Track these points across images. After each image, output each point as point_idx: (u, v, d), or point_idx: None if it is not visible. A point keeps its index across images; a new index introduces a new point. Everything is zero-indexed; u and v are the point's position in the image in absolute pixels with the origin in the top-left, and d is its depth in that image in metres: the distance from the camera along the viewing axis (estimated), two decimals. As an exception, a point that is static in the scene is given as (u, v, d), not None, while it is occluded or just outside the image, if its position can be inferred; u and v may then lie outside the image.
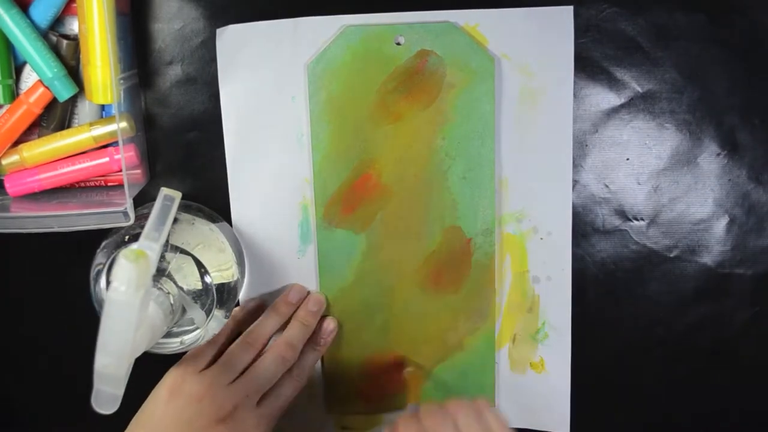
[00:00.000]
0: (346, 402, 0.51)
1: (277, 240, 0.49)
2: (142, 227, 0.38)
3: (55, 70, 0.44)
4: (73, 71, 0.45)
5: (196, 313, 0.43)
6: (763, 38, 0.46)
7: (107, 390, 0.34)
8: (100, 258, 0.43)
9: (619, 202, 0.48)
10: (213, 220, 0.47)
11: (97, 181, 0.48)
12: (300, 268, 0.49)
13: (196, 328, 0.43)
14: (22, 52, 0.44)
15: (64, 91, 0.45)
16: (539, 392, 0.50)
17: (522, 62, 0.46)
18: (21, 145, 0.46)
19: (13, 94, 0.45)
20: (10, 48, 0.45)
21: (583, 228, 0.49)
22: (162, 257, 0.41)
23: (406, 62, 0.46)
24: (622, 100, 0.47)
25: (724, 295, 0.49)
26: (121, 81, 0.44)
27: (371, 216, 0.48)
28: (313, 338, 0.48)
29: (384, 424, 0.51)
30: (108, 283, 0.38)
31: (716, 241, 0.49)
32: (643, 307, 0.50)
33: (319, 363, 0.50)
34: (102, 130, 0.46)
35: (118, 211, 0.43)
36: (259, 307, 0.49)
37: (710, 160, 0.48)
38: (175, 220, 0.43)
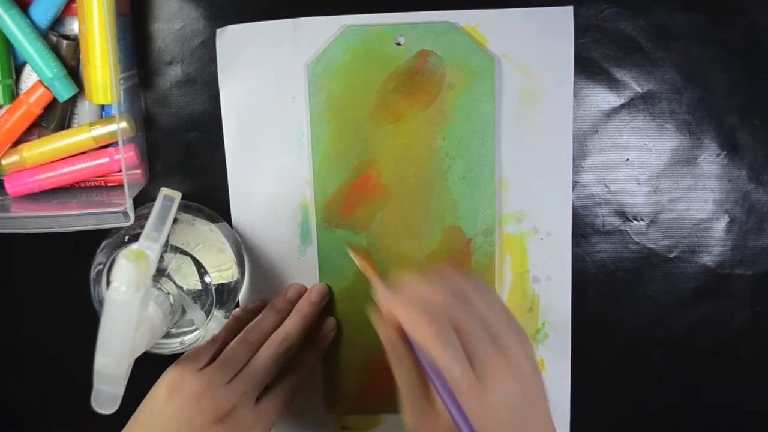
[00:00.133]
0: (346, 402, 0.51)
1: (277, 240, 0.49)
2: (142, 227, 0.38)
3: (55, 70, 0.44)
4: (73, 71, 0.45)
5: (195, 313, 0.43)
6: (763, 38, 0.46)
7: (107, 390, 0.34)
8: (100, 258, 0.43)
9: (619, 202, 0.48)
10: (213, 221, 0.47)
11: (97, 181, 0.48)
12: (300, 268, 0.49)
13: (196, 329, 0.43)
14: (22, 52, 0.44)
15: (64, 92, 0.45)
16: (539, 392, 0.50)
17: (522, 62, 0.46)
18: (21, 145, 0.46)
19: (13, 94, 0.45)
20: (10, 48, 0.45)
21: (583, 228, 0.49)
22: (162, 257, 0.42)
23: (406, 62, 0.46)
24: (622, 101, 0.47)
25: (724, 295, 0.49)
26: (121, 81, 0.44)
27: (371, 216, 0.48)
28: (312, 338, 0.48)
29: (384, 425, 0.51)
30: (108, 283, 0.38)
31: (716, 241, 0.49)
32: (643, 307, 0.50)
33: (319, 363, 0.50)
34: (102, 130, 0.46)
35: (118, 211, 0.43)
36: (260, 308, 0.49)
37: (710, 161, 0.48)
38: (175, 221, 0.43)
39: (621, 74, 0.47)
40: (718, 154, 0.48)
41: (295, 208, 0.49)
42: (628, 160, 0.48)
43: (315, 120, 0.47)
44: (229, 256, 0.46)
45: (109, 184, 0.48)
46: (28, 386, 0.53)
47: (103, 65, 0.43)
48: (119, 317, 0.33)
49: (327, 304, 0.49)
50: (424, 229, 0.48)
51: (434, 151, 0.47)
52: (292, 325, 0.46)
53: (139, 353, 0.36)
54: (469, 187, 0.47)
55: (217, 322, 0.44)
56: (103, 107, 0.47)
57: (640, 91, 0.47)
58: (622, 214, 0.49)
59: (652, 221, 0.49)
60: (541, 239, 0.48)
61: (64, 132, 0.46)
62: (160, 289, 0.40)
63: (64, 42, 0.45)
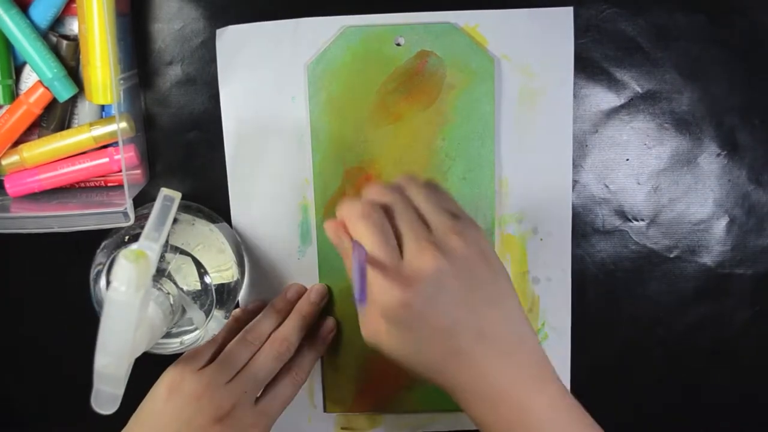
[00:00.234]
0: (346, 402, 0.51)
1: (277, 240, 0.49)
2: (142, 227, 0.38)
3: (55, 70, 0.44)
4: (73, 71, 0.45)
5: (195, 313, 0.43)
6: (763, 38, 0.46)
7: (107, 390, 0.34)
8: (100, 258, 0.43)
9: (619, 202, 0.48)
10: (213, 221, 0.47)
11: (97, 181, 0.48)
12: (300, 269, 0.49)
13: (196, 329, 0.43)
14: (22, 52, 0.44)
15: (64, 92, 0.45)
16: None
17: (522, 63, 0.46)
18: (21, 146, 0.46)
19: (13, 94, 0.45)
20: (10, 48, 0.45)
21: (583, 228, 0.49)
22: (162, 257, 0.41)
23: (406, 63, 0.46)
24: (622, 101, 0.47)
25: (724, 295, 0.49)
26: (121, 81, 0.44)
27: (371, 216, 0.48)
28: (312, 338, 0.48)
29: (384, 425, 0.51)
30: (108, 283, 0.38)
31: (716, 241, 0.49)
32: (643, 307, 0.50)
33: (318, 363, 0.50)
34: (102, 130, 0.46)
35: (118, 211, 0.43)
36: (260, 308, 0.49)
37: (710, 161, 0.48)
38: (175, 221, 0.43)
39: (621, 74, 0.47)
40: (718, 154, 0.48)
41: (295, 208, 0.49)
42: (628, 160, 0.48)
43: (315, 120, 0.47)
44: (229, 256, 0.46)
45: (109, 184, 0.48)
46: (28, 386, 0.53)
47: (103, 65, 0.43)
48: (119, 317, 0.33)
49: (327, 305, 0.49)
50: (424, 229, 0.48)
51: (434, 152, 0.47)
52: (291, 325, 0.46)
53: (139, 353, 0.36)
54: (469, 187, 0.47)
55: (217, 322, 0.44)
56: (103, 107, 0.47)
57: (640, 91, 0.47)
58: (622, 214, 0.49)
59: (652, 221, 0.49)
60: (541, 240, 0.48)
61: (64, 132, 0.46)
62: (160, 289, 0.40)
63: (64, 42, 0.45)
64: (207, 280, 0.43)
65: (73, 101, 0.47)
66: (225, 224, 0.48)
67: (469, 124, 0.47)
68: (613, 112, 0.47)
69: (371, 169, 0.48)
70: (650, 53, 0.46)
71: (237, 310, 0.49)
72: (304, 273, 0.49)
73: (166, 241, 0.41)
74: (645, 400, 0.51)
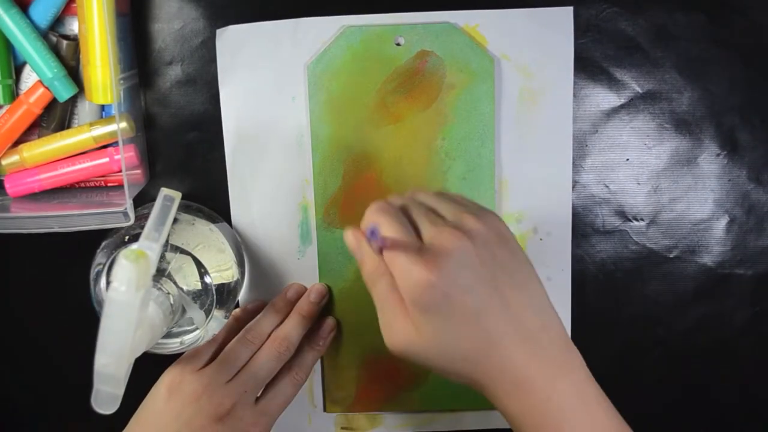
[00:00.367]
0: (346, 402, 0.51)
1: (277, 240, 0.49)
2: (142, 227, 0.38)
3: (55, 70, 0.44)
4: (73, 71, 0.45)
5: (195, 313, 0.43)
6: (763, 38, 0.46)
7: (107, 390, 0.34)
8: (100, 258, 0.43)
9: (618, 202, 0.48)
10: (213, 221, 0.47)
11: (97, 181, 0.48)
12: (300, 269, 0.49)
13: (196, 329, 0.43)
14: (22, 52, 0.44)
15: (64, 92, 0.45)
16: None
17: (522, 63, 0.46)
18: (21, 146, 0.46)
19: (13, 94, 0.45)
20: (10, 48, 0.45)
21: (583, 228, 0.49)
22: (162, 257, 0.41)
23: (406, 63, 0.46)
24: (622, 101, 0.47)
25: (724, 295, 0.49)
26: (121, 81, 0.44)
27: (371, 216, 0.48)
28: (312, 338, 0.48)
29: (384, 425, 0.51)
30: (108, 283, 0.38)
31: (716, 241, 0.49)
32: (643, 307, 0.50)
33: (318, 363, 0.50)
34: (102, 130, 0.46)
35: (118, 211, 0.43)
36: (260, 308, 0.49)
37: (710, 160, 0.48)
38: (175, 221, 0.43)
39: (621, 74, 0.47)
40: (718, 154, 0.48)
41: (295, 209, 0.49)
42: (628, 160, 0.48)
43: (315, 120, 0.47)
44: (229, 256, 0.46)
45: (109, 184, 0.48)
46: (28, 386, 0.53)
47: (103, 65, 0.43)
48: (119, 317, 0.33)
49: (327, 304, 0.49)
50: (424, 229, 0.48)
51: (434, 152, 0.47)
52: (291, 325, 0.46)
53: (139, 353, 0.36)
54: (469, 187, 0.47)
55: (217, 322, 0.44)
56: (103, 107, 0.47)
57: (640, 91, 0.47)
58: (622, 214, 0.49)
59: (652, 221, 0.49)
60: (541, 240, 0.48)
61: (64, 132, 0.46)
62: (160, 289, 0.40)
63: (64, 42, 0.45)
64: (207, 279, 0.43)
65: (73, 101, 0.47)
66: (225, 224, 0.48)
67: (469, 124, 0.47)
68: (613, 112, 0.47)
69: (371, 169, 0.48)
70: (650, 53, 0.46)
71: (237, 309, 0.49)
72: (304, 273, 0.49)
73: (167, 241, 0.41)
74: (645, 400, 0.51)
